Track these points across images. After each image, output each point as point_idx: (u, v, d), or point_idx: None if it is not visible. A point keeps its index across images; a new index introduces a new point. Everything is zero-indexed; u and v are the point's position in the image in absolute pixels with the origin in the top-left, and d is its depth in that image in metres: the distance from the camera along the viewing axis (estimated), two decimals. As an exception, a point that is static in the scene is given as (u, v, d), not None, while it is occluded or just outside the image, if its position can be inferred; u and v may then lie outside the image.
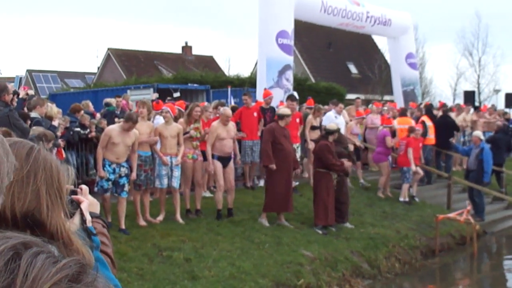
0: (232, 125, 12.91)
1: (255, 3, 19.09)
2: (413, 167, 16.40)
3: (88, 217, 2.35)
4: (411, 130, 16.66)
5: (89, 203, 2.51)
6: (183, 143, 12.19)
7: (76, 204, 2.34)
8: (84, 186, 2.60)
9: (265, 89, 17.08)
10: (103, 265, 2.24)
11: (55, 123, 12.27)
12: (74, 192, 2.46)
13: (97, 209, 2.67)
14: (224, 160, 12.74)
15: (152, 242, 10.63)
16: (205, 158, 12.77)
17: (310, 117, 16.47)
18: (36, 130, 9.62)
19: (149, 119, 12.26)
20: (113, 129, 11.04)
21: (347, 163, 13.42)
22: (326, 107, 18.88)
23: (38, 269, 0.84)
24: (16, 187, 1.75)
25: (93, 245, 2.19)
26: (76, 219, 2.29)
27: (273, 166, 12.51)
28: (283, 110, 13.48)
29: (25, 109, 11.64)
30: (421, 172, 16.97)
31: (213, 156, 12.62)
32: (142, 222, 11.66)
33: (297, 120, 15.63)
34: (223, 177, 12.70)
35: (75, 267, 0.87)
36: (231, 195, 12.95)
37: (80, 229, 2.24)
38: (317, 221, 13.22)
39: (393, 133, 17.26)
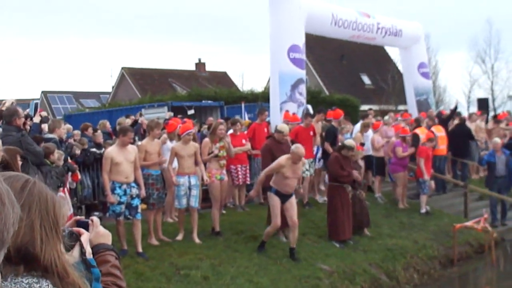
0: (302, 163, 11.87)
1: (267, 18, 19.14)
2: (425, 177, 16.35)
3: (88, 249, 2.37)
4: (430, 140, 16.64)
5: (94, 234, 2.55)
6: (201, 162, 12.10)
7: (76, 236, 2.37)
8: (95, 218, 2.63)
9: (286, 111, 17.04)
10: None
11: (71, 140, 12.38)
12: (85, 224, 2.49)
13: (109, 240, 2.68)
14: (284, 196, 11.56)
15: (169, 261, 10.64)
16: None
17: (358, 134, 16.77)
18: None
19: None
20: (112, 150, 10.89)
21: (355, 173, 13.38)
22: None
23: None
24: None
25: (91, 277, 2.22)
26: (75, 251, 2.31)
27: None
28: (280, 126, 13.42)
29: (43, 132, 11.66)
30: (432, 185, 16.95)
31: (271, 189, 11.59)
32: (154, 242, 11.64)
33: (311, 133, 15.40)
34: (279, 215, 11.52)
35: None
36: (293, 232, 11.74)
37: (79, 262, 2.27)
38: (332, 236, 13.22)
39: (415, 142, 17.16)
